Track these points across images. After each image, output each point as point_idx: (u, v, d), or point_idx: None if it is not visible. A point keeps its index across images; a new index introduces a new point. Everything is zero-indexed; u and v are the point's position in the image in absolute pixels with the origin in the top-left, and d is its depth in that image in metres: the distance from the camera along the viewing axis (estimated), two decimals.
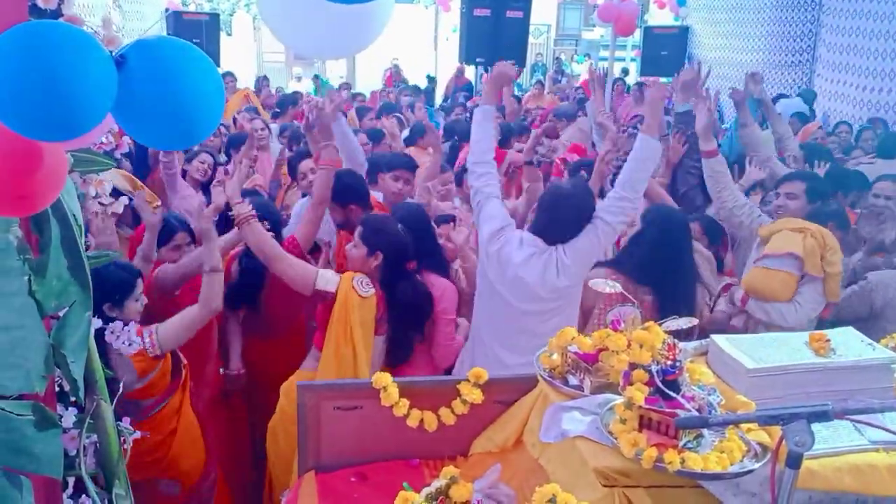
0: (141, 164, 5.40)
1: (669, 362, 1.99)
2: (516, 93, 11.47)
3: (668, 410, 1.93)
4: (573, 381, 2.32)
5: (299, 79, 15.07)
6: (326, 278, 3.13)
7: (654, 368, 1.98)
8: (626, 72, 17.25)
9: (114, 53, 1.58)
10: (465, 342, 3.43)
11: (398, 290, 3.20)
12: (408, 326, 3.28)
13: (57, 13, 2.11)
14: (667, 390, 1.94)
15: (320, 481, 2.46)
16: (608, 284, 2.34)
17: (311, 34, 2.09)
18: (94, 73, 1.48)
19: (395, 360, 3.26)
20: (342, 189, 3.73)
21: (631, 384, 1.97)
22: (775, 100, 8.84)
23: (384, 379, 2.42)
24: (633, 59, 17.77)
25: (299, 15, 2.05)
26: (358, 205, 3.81)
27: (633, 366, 2.01)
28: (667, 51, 13.09)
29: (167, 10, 12.38)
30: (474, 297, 3.41)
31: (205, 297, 3.06)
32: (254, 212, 3.21)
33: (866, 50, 9.43)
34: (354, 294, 3.09)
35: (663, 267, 3.32)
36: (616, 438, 1.94)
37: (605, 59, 18.65)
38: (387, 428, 2.46)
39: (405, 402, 2.42)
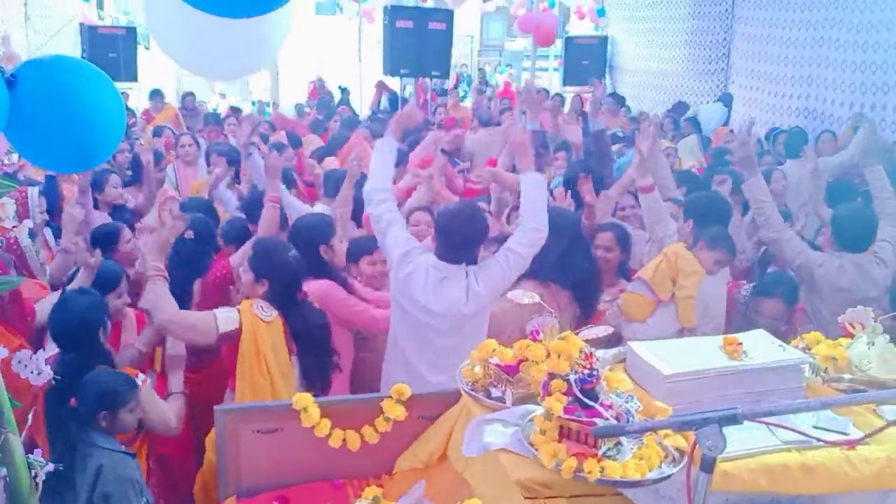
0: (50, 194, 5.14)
1: (587, 371, 2.00)
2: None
3: (586, 420, 1.93)
4: (496, 393, 2.31)
5: (223, 96, 14.81)
6: (226, 317, 3.03)
7: (572, 378, 1.99)
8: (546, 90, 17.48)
9: (6, 73, 1.52)
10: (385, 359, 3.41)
11: (290, 318, 3.11)
12: (314, 353, 3.17)
13: None
14: (585, 399, 1.95)
15: None
16: (526, 295, 2.34)
17: (202, 54, 2.03)
18: None
19: (313, 389, 3.05)
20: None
21: (550, 395, 1.97)
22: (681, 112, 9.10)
23: (304, 400, 2.38)
24: (555, 69, 18.01)
25: (188, 34, 2.00)
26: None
27: (551, 376, 2.01)
28: (588, 60, 13.34)
29: (81, 24, 12.02)
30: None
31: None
32: (164, 273, 3.11)
33: (777, 57, 9.76)
34: (258, 321, 3.02)
35: (571, 263, 3.47)
36: (536, 450, 1.93)
37: (527, 69, 18.96)
38: (309, 449, 2.42)
39: (326, 423, 2.38)
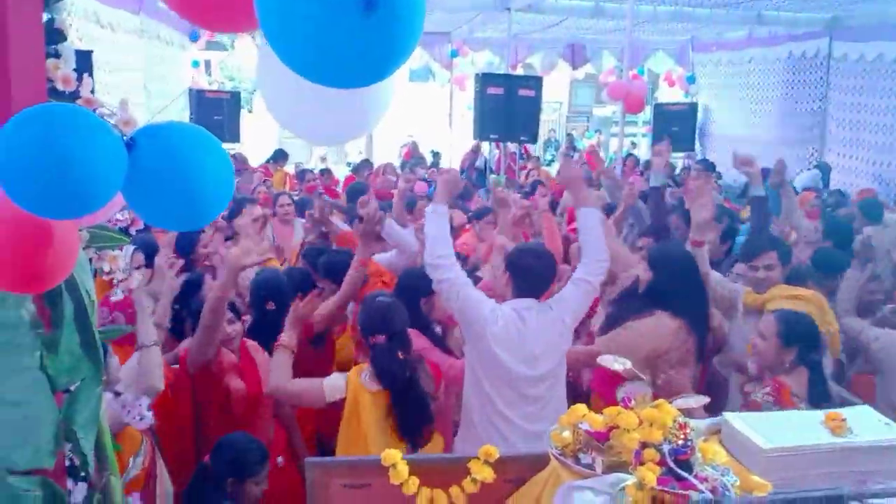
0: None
1: (681, 441, 1.95)
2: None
3: (680, 492, 1.88)
4: (585, 459, 2.27)
5: (324, 159, 15.35)
6: (333, 386, 3.12)
7: (665, 448, 1.95)
8: (634, 145, 17.46)
9: (126, 136, 1.63)
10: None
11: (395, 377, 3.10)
12: (413, 410, 3.12)
13: (75, 95, 2.18)
14: (679, 470, 1.90)
15: None
16: (617, 361, 2.31)
17: (312, 121, 2.14)
18: (103, 154, 1.52)
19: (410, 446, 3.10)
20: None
21: (642, 464, 1.93)
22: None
23: (394, 456, 2.38)
24: (644, 135, 17.98)
25: (297, 101, 2.10)
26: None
27: (644, 445, 1.97)
28: (677, 126, 13.25)
29: (191, 89, 12.74)
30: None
31: (139, 376, 2.87)
32: (294, 347, 3.24)
33: (875, 125, 9.51)
34: (363, 391, 3.05)
35: (688, 295, 3.48)
36: None
37: (616, 135, 18.97)
38: None
39: (415, 481, 2.38)
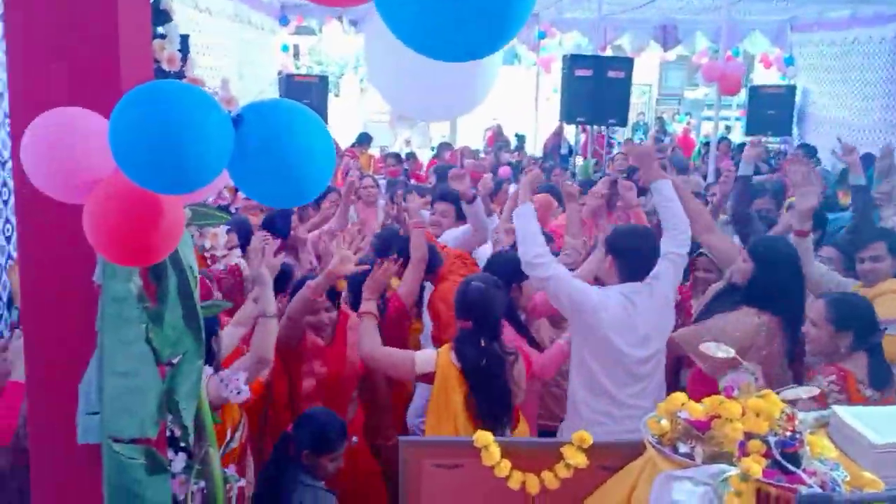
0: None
1: (788, 433, 1.88)
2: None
3: (787, 485, 1.81)
4: (683, 448, 2.21)
5: (408, 142, 15.40)
6: (424, 359, 3.14)
7: (771, 439, 1.87)
8: (728, 129, 16.93)
9: (231, 113, 1.65)
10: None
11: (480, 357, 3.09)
12: (491, 394, 3.08)
13: (180, 75, 2.22)
14: (786, 463, 1.83)
15: None
16: (720, 349, 2.23)
17: (418, 96, 2.13)
18: (212, 131, 1.54)
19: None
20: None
21: (747, 455, 1.87)
22: None
23: (486, 438, 2.38)
24: (737, 119, 17.41)
25: (406, 77, 2.09)
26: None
27: (748, 436, 1.90)
28: (773, 110, 12.78)
29: (280, 72, 12.96)
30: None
31: (254, 345, 2.94)
32: (376, 313, 3.29)
33: None
34: (453, 368, 3.05)
35: (787, 292, 3.33)
36: None
37: (708, 118, 18.42)
38: (486, 489, 2.41)
39: (506, 463, 2.37)
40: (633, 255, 3.34)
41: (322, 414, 2.96)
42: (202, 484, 2.33)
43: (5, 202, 3.49)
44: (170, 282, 2.09)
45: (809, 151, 10.59)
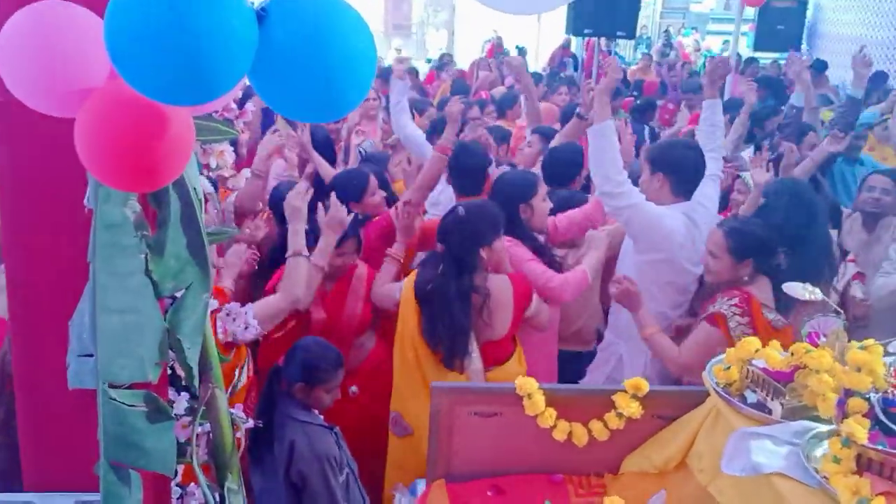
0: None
1: (892, 390, 1.64)
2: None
3: (891, 451, 1.58)
4: (751, 398, 1.98)
5: (399, 50, 14.82)
6: (400, 287, 3.01)
7: (873, 398, 1.63)
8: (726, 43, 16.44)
9: (254, 6, 1.33)
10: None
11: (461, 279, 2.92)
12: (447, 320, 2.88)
13: None
14: (892, 425, 1.59)
15: (452, 491, 2.21)
16: (807, 290, 1.97)
17: None
18: (233, 28, 1.22)
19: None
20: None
21: (847, 416, 1.63)
22: None
23: (529, 385, 2.14)
24: (743, 34, 16.87)
25: None
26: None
27: (848, 393, 1.66)
28: (783, 25, 12.29)
29: None
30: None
31: (285, 283, 2.82)
32: (402, 257, 3.21)
33: None
34: (412, 292, 2.89)
35: (795, 232, 3.09)
36: (828, 481, 1.60)
37: (713, 32, 17.83)
38: (528, 438, 2.20)
39: (552, 413, 2.14)
40: (684, 167, 3.19)
41: (313, 344, 2.75)
42: (207, 427, 2.11)
43: None
44: (172, 207, 1.81)
45: (818, 66, 10.19)
